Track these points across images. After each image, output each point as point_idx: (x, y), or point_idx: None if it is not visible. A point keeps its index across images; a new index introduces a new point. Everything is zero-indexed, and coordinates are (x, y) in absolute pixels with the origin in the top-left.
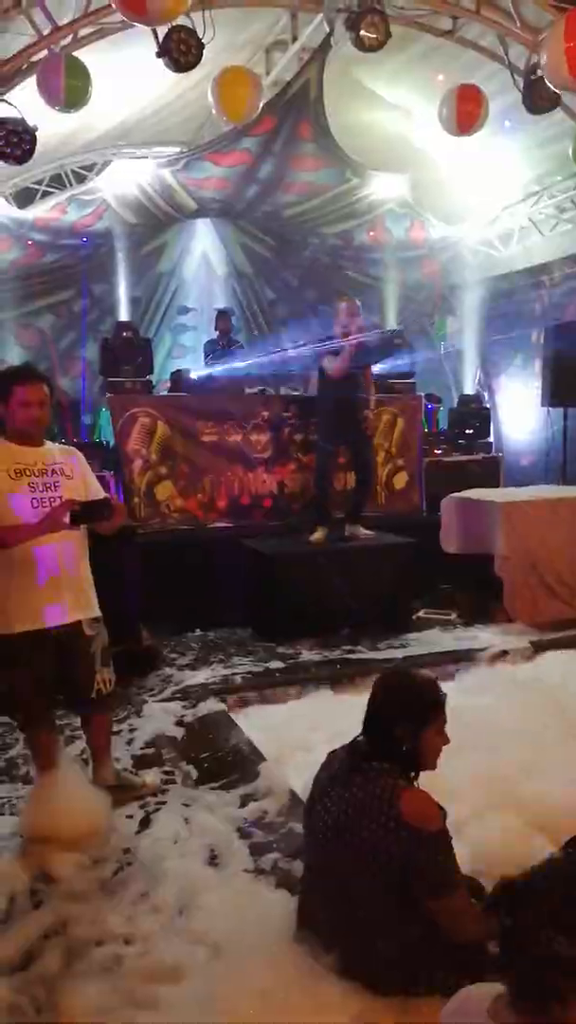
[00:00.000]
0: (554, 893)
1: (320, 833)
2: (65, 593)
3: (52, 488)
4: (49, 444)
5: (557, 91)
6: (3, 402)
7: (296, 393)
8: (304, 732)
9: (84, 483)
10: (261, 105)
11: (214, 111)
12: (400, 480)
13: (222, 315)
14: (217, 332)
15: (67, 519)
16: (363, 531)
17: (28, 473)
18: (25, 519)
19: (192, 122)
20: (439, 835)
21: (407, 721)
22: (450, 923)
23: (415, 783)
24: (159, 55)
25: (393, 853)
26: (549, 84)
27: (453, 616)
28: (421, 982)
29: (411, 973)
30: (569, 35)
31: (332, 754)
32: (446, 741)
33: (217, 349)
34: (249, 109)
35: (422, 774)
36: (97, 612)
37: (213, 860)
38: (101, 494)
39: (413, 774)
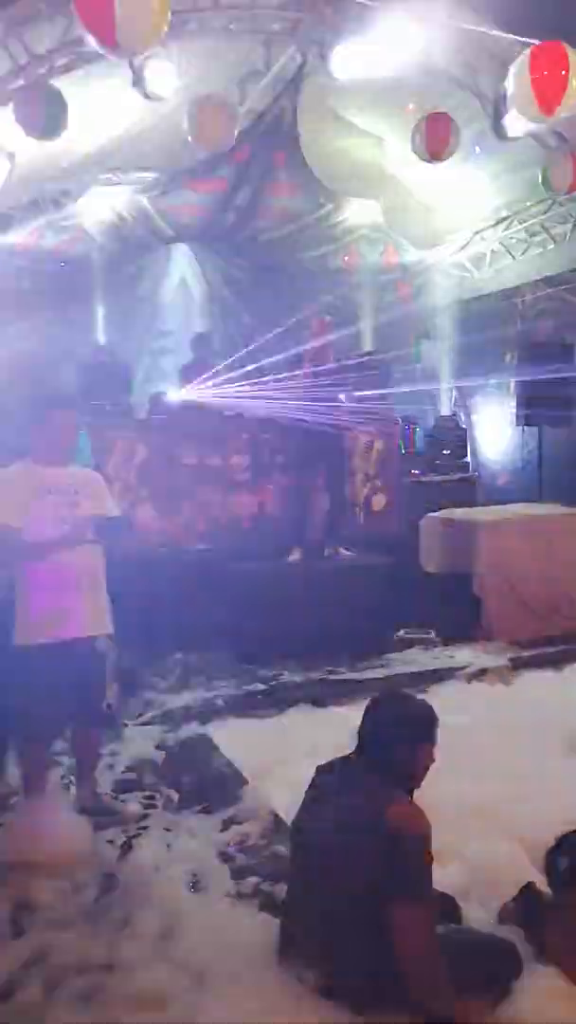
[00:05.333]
0: None
1: (308, 847)
2: (83, 607)
3: (72, 507)
4: (71, 466)
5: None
6: (38, 425)
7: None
8: (285, 751)
9: (103, 503)
10: (236, 133)
11: (190, 139)
12: (379, 501)
13: (199, 339)
14: (194, 357)
15: (88, 534)
16: (343, 552)
17: (51, 491)
18: (46, 534)
19: (168, 149)
20: (421, 842)
21: (404, 741)
22: (409, 936)
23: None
24: (134, 85)
25: (377, 860)
26: (517, 114)
27: (433, 635)
28: (404, 999)
29: (394, 989)
30: (535, 67)
31: (321, 769)
32: (433, 760)
33: (195, 374)
34: (224, 137)
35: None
36: (110, 629)
37: (195, 885)
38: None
39: (407, 791)
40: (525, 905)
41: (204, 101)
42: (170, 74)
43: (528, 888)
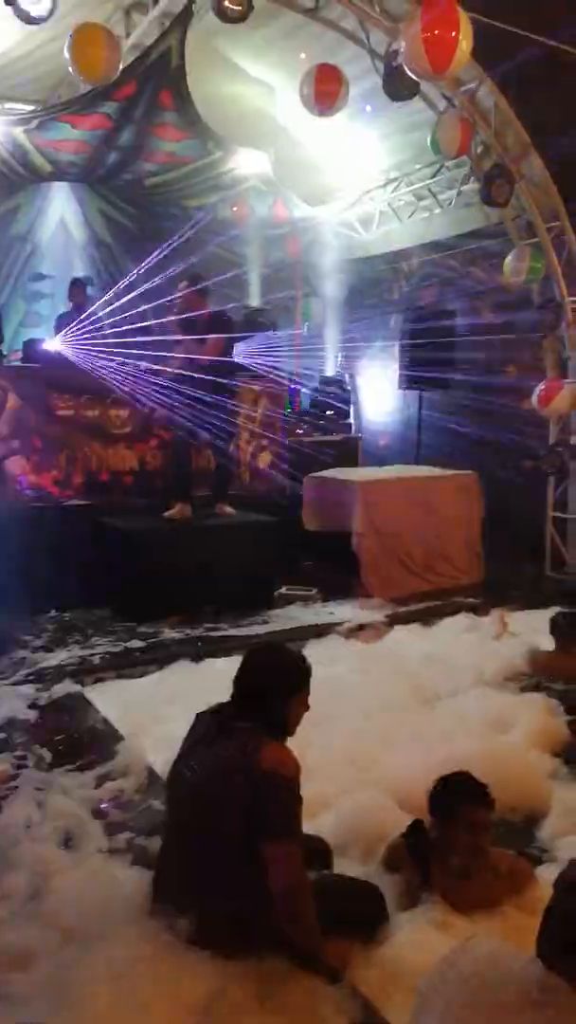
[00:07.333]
0: None
1: (182, 792)
2: None
3: None
4: None
5: (416, 79)
6: None
7: (157, 367)
8: (163, 708)
9: None
10: (120, 67)
11: (70, 69)
12: (263, 459)
13: (77, 285)
14: (72, 304)
15: None
16: (227, 509)
17: None
18: None
19: (47, 80)
20: (290, 782)
21: (278, 689)
22: (281, 869)
23: None
24: (7, 2)
25: (248, 801)
26: (407, 72)
27: (313, 592)
28: (273, 941)
29: (263, 931)
30: (426, 25)
31: (198, 717)
32: (307, 709)
33: (72, 322)
34: (106, 70)
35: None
36: None
37: (67, 843)
38: None
39: (280, 739)
40: (413, 841)
41: (85, 28)
42: None
43: (415, 825)
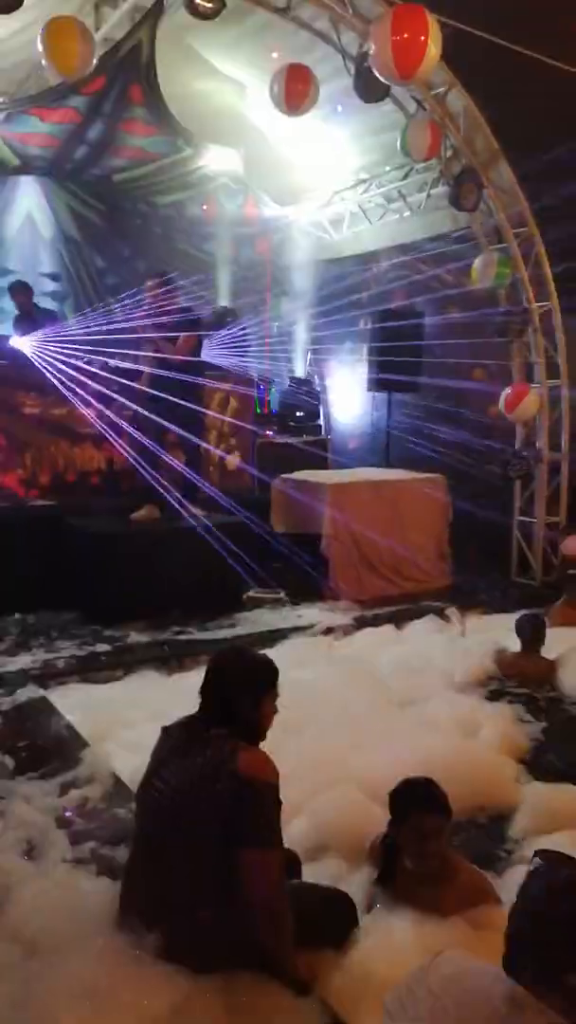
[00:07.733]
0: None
1: (155, 804)
2: None
3: None
4: None
5: (386, 82)
6: None
7: (125, 365)
8: (129, 714)
9: None
10: (94, 61)
11: (43, 63)
12: (232, 460)
13: (17, 289)
14: (17, 306)
15: None
16: (195, 510)
17: None
18: None
19: (16, 72)
20: (270, 788)
21: (247, 693)
22: (259, 878)
23: None
24: None
25: (227, 808)
26: (377, 75)
27: (282, 595)
28: (241, 955)
29: (233, 945)
30: (396, 29)
31: (167, 729)
32: (276, 711)
33: (24, 323)
34: (80, 63)
35: None
36: None
37: (30, 853)
38: None
39: (252, 743)
40: (389, 841)
41: (58, 22)
42: None
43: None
